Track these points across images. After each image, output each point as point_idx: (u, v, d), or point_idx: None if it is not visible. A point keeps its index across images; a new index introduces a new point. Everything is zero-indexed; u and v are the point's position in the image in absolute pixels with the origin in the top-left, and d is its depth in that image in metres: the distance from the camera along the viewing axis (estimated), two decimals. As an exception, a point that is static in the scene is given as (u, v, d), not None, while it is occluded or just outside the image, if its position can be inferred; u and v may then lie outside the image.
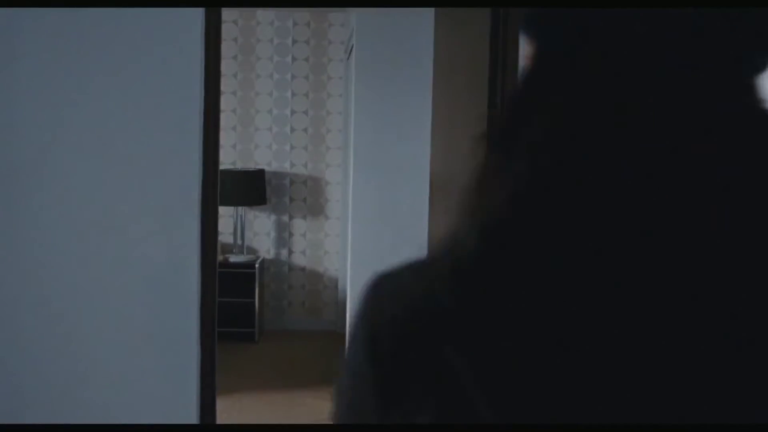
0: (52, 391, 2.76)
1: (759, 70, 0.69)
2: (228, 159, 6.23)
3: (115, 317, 2.79)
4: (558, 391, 0.62)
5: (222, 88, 6.09)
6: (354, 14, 4.48)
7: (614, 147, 0.64)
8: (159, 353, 2.79)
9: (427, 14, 4.29)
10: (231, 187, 5.87)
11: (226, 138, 6.23)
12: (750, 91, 0.68)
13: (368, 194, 4.17)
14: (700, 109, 0.65)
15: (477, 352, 0.62)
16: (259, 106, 6.20)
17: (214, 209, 2.80)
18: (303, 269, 6.30)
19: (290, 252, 6.29)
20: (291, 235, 6.29)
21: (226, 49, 6.16)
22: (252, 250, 6.25)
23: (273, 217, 6.27)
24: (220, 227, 6.54)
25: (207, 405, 2.94)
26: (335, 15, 6.14)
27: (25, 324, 2.75)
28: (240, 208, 5.99)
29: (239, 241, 6.03)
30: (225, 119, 6.22)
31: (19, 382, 2.74)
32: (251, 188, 5.93)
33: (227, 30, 6.13)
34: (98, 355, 2.80)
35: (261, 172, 6.03)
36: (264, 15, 6.13)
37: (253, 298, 5.86)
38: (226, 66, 6.16)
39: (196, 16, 2.55)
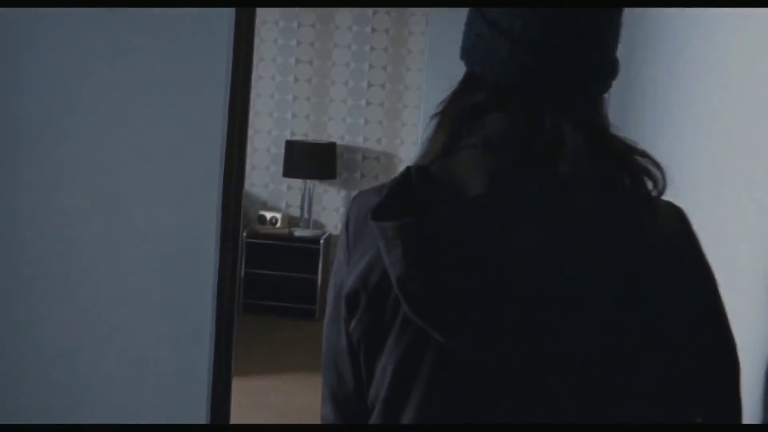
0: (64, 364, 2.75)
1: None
2: (300, 130, 6.18)
3: (130, 294, 2.75)
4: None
5: (298, 56, 6.03)
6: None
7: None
8: (171, 332, 2.74)
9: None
10: (300, 159, 5.81)
11: (299, 108, 6.17)
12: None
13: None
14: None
15: (405, 241, 1.00)
16: (335, 77, 6.12)
17: (238, 188, 2.73)
18: (370, 248, 6.20)
19: (358, 230, 6.19)
20: (360, 212, 6.19)
21: (305, 16, 6.10)
22: (319, 225, 6.19)
23: (342, 193, 6.20)
24: (289, 200, 6.53)
25: (219, 393, 2.85)
26: (419, -14, 6.00)
27: (42, 299, 2.76)
28: (309, 181, 5.93)
29: (306, 215, 5.97)
30: (299, 89, 6.16)
31: (36, 346, 2.74)
32: (322, 161, 5.86)
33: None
34: (111, 333, 2.77)
35: (332, 145, 5.95)
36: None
37: (316, 274, 5.80)
38: (303, 34, 6.11)
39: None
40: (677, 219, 1.07)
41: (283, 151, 5.99)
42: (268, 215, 6.02)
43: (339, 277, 1.16)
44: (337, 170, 6.03)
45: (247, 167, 6.22)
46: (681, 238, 1.06)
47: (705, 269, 1.08)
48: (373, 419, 1.10)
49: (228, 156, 2.63)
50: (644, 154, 1.07)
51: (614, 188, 1.03)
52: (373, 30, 6.05)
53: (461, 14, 1.18)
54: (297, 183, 6.11)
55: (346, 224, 1.17)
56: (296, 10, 6.05)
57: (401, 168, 6.06)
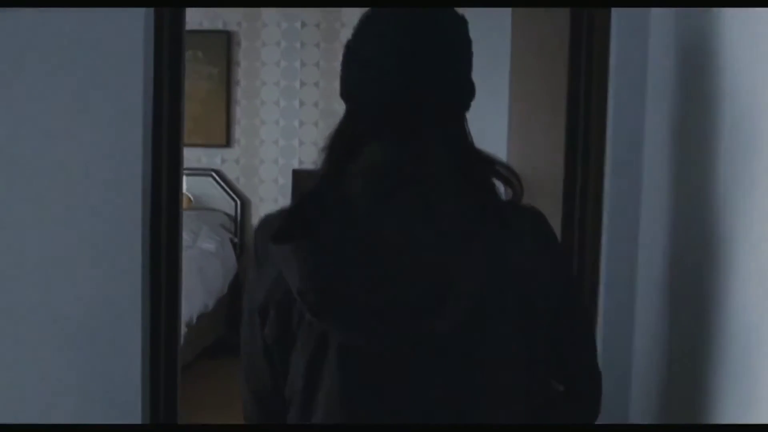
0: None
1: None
2: (308, 158, 5.82)
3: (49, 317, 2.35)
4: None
5: (303, 78, 5.64)
6: None
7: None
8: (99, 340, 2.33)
9: (504, 15, 3.88)
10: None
11: (307, 134, 5.83)
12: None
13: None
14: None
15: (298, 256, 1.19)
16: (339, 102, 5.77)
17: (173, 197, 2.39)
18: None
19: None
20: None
21: (307, 36, 5.76)
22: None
23: (358, 224, 5.83)
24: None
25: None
26: None
27: None
28: (321, 212, 5.57)
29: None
30: (306, 114, 5.82)
31: None
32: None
33: (310, 12, 5.74)
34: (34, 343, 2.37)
35: (345, 172, 5.60)
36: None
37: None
38: (306, 55, 5.76)
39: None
40: (536, 219, 1.29)
41: (290, 181, 5.64)
42: (279, 251, 5.66)
43: (251, 291, 1.34)
44: (350, 199, 5.66)
45: (254, 200, 5.87)
46: (539, 236, 1.28)
47: (561, 260, 1.34)
48: (292, 410, 1.30)
49: (156, 162, 2.31)
50: (503, 165, 1.28)
51: (479, 197, 1.23)
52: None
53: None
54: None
55: (255, 246, 1.34)
56: (298, 29, 5.73)
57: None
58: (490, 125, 3.52)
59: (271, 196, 5.88)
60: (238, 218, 5.83)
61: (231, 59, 5.82)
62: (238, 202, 5.82)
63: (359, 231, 1.20)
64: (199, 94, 5.82)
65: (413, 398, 1.22)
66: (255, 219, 5.89)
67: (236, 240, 5.75)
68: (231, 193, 5.83)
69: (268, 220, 1.33)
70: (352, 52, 1.29)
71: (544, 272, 1.25)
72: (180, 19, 2.44)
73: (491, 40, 3.61)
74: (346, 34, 5.71)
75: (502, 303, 1.21)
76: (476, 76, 1.33)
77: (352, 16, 5.70)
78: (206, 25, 5.84)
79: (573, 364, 1.32)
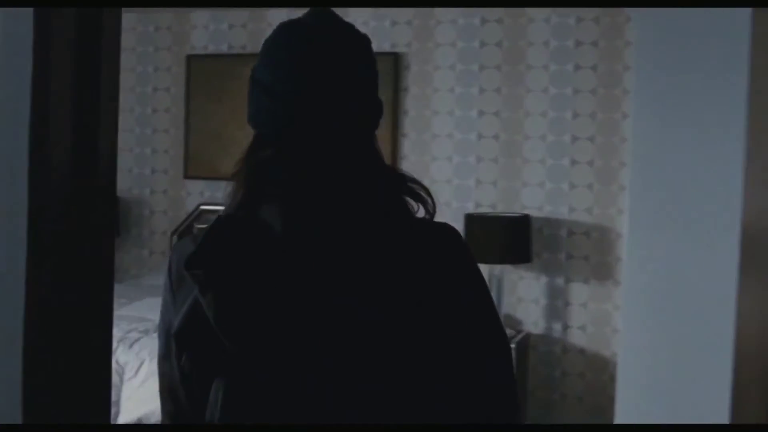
0: None
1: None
2: (486, 200, 5.06)
3: None
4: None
5: (482, 108, 4.90)
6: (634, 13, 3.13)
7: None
8: None
9: (742, 16, 2.91)
10: (486, 238, 4.68)
11: (485, 172, 5.07)
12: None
13: (650, 251, 2.76)
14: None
15: (207, 282, 1.18)
16: (528, 131, 4.98)
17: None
18: (582, 351, 4.91)
19: (565, 327, 4.94)
20: (567, 304, 4.93)
21: (487, 57, 5.03)
22: (512, 321, 4.98)
23: (543, 279, 4.97)
24: None
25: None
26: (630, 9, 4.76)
27: None
28: (497, 266, 4.77)
29: (495, 310, 4.80)
30: (485, 147, 5.06)
31: None
32: (513, 240, 4.69)
33: (490, 31, 5.01)
34: None
35: (526, 218, 4.78)
36: (537, 11, 4.93)
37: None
38: (486, 79, 5.03)
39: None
40: (449, 236, 1.33)
41: (463, 227, 4.88)
42: (447, 310, 4.91)
43: (167, 317, 1.34)
44: (534, 251, 4.83)
45: (422, 249, 5.16)
46: (452, 252, 1.31)
47: (474, 274, 1.34)
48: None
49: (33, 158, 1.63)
50: (415, 181, 1.34)
51: (390, 215, 1.27)
52: (577, 68, 4.87)
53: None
54: (482, 269, 4.97)
55: (169, 270, 1.34)
56: (476, 49, 5.01)
57: (619, 245, 4.77)
58: (715, 161, 2.63)
59: (441, 243, 5.15)
60: (403, 269, 5.14)
61: (398, 85, 5.19)
62: (404, 250, 5.14)
63: (274, 256, 1.21)
64: (363, 126, 5.22)
65: (311, 415, 1.23)
66: (423, 270, 5.18)
67: (399, 294, 5.07)
68: (396, 239, 5.16)
69: (183, 243, 1.35)
70: (254, 79, 1.33)
71: (455, 286, 1.27)
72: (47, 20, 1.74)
73: (721, 49, 2.71)
74: (534, 54, 4.95)
75: (408, 323, 1.22)
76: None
77: (539, 35, 4.91)
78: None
79: (490, 373, 1.30)
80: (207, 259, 1.21)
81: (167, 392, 1.36)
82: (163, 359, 1.35)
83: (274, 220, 1.23)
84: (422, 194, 1.33)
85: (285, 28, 1.30)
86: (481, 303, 1.31)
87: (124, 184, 5.67)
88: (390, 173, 1.32)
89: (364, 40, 1.34)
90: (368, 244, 1.23)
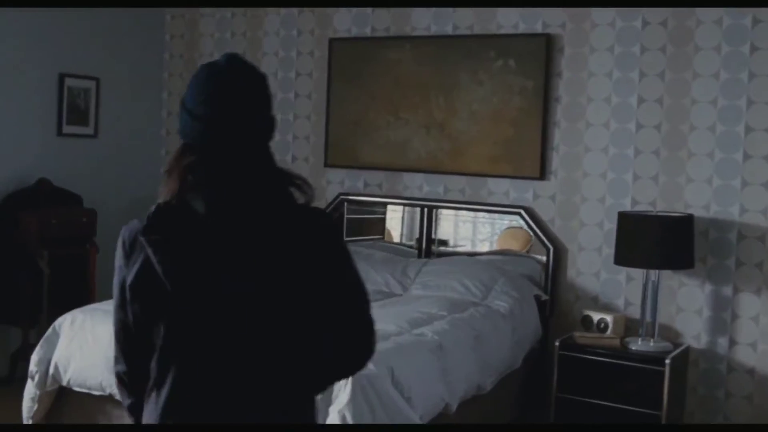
0: None
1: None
2: (645, 197, 4.60)
3: None
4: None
5: (643, 93, 4.44)
6: None
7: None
8: None
9: None
10: (642, 240, 4.24)
11: (644, 166, 4.61)
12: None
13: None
14: None
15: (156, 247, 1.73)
16: (695, 120, 4.47)
17: None
18: (751, 371, 4.38)
19: (732, 343, 4.42)
20: (735, 317, 4.41)
21: (650, 39, 4.56)
22: (669, 333, 4.51)
23: (707, 288, 4.47)
24: (629, 295, 4.76)
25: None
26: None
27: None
28: (654, 270, 4.33)
29: (648, 319, 4.35)
30: (645, 138, 4.60)
31: None
32: (674, 242, 4.23)
33: (653, 10, 4.53)
34: None
35: (689, 219, 4.29)
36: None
37: (660, 409, 4.12)
38: (649, 62, 4.56)
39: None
40: (320, 216, 1.86)
41: (615, 227, 4.45)
42: (596, 316, 4.51)
43: (121, 276, 1.83)
44: (696, 256, 4.35)
45: (572, 247, 4.78)
46: (321, 227, 1.83)
47: (341, 248, 1.85)
48: (153, 361, 1.78)
49: None
50: (299, 177, 1.84)
51: (277, 202, 1.80)
52: (754, 48, 4.32)
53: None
54: (638, 273, 4.52)
55: (123, 241, 1.84)
56: (638, 29, 4.55)
57: (800, 253, 4.19)
58: None
59: (593, 243, 4.73)
60: (550, 269, 4.78)
61: (551, 70, 4.80)
62: (552, 249, 4.77)
63: (200, 229, 1.75)
64: (509, 113, 4.87)
65: (224, 344, 1.75)
66: (571, 271, 4.79)
67: (545, 297, 4.70)
68: (543, 237, 4.80)
69: (131, 223, 1.85)
70: (182, 103, 1.83)
71: (324, 254, 1.80)
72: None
73: None
74: (702, 34, 4.44)
75: (291, 281, 1.76)
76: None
77: (709, 13, 4.40)
78: (521, 28, 4.89)
79: (351, 319, 1.84)
80: (155, 230, 1.75)
81: (122, 333, 1.87)
82: (119, 308, 1.85)
83: (199, 206, 1.74)
84: (303, 186, 1.83)
85: (205, 67, 1.82)
86: (341, 266, 1.82)
87: (265, 172, 5.61)
88: (280, 172, 1.83)
89: (261, 77, 1.83)
90: (261, 222, 1.76)
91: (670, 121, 4.51)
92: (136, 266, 1.78)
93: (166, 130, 6.07)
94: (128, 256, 1.82)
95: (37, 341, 3.80)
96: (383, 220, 5.37)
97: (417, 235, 5.15)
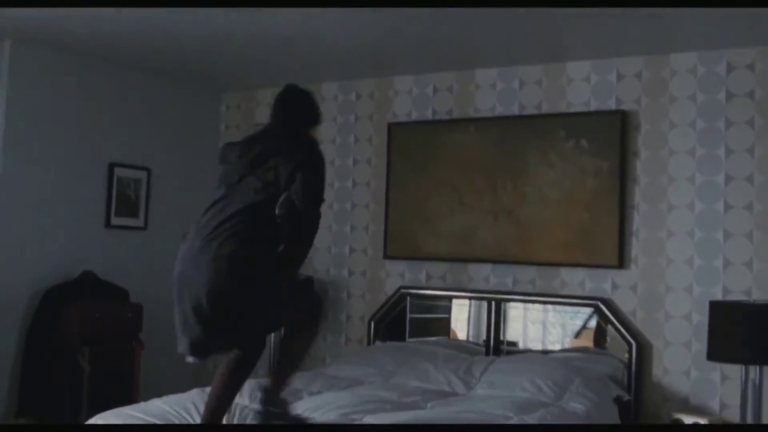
0: None
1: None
2: (738, 285, 4.15)
3: None
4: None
5: (731, 171, 4.05)
6: None
7: None
8: None
9: None
10: (738, 332, 3.80)
11: (736, 251, 4.20)
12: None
13: None
14: None
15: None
16: (792, 200, 4.08)
17: None
18: None
19: None
20: None
21: (736, 108, 4.22)
22: (777, 441, 4.01)
23: (816, 387, 3.99)
24: (725, 396, 4.18)
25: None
26: None
27: None
28: (753, 367, 3.86)
29: (751, 421, 3.86)
30: (735, 219, 4.21)
31: None
32: (775, 334, 3.79)
33: (738, 78, 4.21)
34: None
35: (791, 307, 3.85)
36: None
37: None
38: (735, 137, 4.21)
39: None
40: (310, 146, 3.18)
41: (707, 318, 4.02)
42: (688, 420, 4.03)
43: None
44: (802, 349, 3.88)
45: (657, 343, 4.35)
46: (305, 157, 3.10)
47: (313, 171, 3.12)
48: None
49: None
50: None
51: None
52: None
53: None
54: (734, 370, 4.06)
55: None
56: (721, 102, 4.23)
57: None
58: None
59: (681, 337, 4.29)
60: (633, 367, 4.34)
61: (627, 148, 4.48)
62: (634, 345, 4.34)
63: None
64: (584, 197, 4.54)
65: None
66: (657, 369, 4.34)
67: (628, 398, 4.25)
68: (623, 331, 4.38)
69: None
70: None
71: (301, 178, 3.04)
72: None
73: None
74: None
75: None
76: None
77: (805, 75, 4.05)
78: (594, 105, 4.60)
79: (294, 231, 3.07)
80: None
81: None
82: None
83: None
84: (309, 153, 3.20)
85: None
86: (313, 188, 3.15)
87: (321, 265, 5.35)
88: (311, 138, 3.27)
89: (305, 95, 3.39)
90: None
91: (762, 202, 4.12)
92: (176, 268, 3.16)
93: (220, 223, 5.87)
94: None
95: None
96: (448, 319, 5.01)
97: (484, 334, 4.78)
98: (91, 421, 3.44)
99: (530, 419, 3.54)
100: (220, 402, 3.06)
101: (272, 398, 3.21)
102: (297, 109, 3.30)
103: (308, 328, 3.24)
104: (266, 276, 2.99)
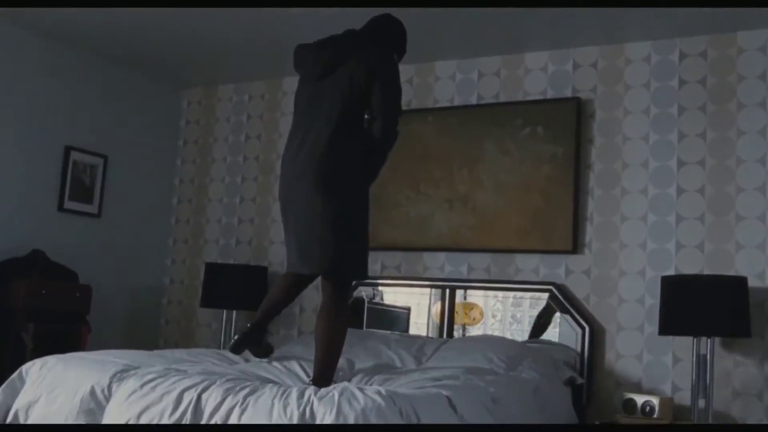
0: None
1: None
2: (691, 267, 4.18)
3: None
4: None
5: (684, 156, 4.13)
6: None
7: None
8: None
9: None
10: (689, 305, 3.82)
11: (688, 234, 4.25)
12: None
13: None
14: None
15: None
16: (742, 182, 4.16)
17: None
18: (824, 465, 3.81)
19: (799, 431, 3.88)
20: (800, 400, 3.90)
21: (689, 95, 4.32)
22: (728, 422, 4.00)
23: (766, 365, 4.00)
24: (677, 378, 4.25)
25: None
26: None
27: None
28: (704, 345, 3.87)
29: (702, 404, 3.85)
30: (688, 203, 4.27)
31: None
32: (726, 306, 3.80)
33: (691, 66, 4.32)
34: None
35: (742, 281, 3.87)
36: (749, 38, 4.20)
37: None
38: (688, 122, 4.29)
39: None
40: (382, 53, 3.35)
41: (659, 301, 4.03)
42: (640, 399, 4.01)
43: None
44: (753, 330, 3.90)
45: (610, 327, 4.35)
46: (380, 58, 3.32)
47: (389, 69, 3.33)
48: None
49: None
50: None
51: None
52: (804, 101, 4.03)
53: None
54: (686, 351, 4.06)
55: None
56: (674, 88, 4.32)
57: None
58: None
59: (634, 321, 4.30)
60: (586, 352, 4.33)
61: (582, 135, 4.55)
62: (587, 329, 4.34)
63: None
64: (538, 183, 4.58)
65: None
66: (610, 353, 4.33)
67: (581, 381, 4.23)
68: (577, 316, 4.38)
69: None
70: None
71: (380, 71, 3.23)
72: None
73: None
74: (746, 90, 4.19)
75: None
76: None
77: (750, 68, 4.17)
78: (550, 94, 4.68)
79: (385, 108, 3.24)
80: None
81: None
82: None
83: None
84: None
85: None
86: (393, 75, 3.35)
87: (275, 257, 5.31)
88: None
89: (402, 25, 3.56)
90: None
91: (714, 185, 4.19)
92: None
93: (176, 218, 5.84)
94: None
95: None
96: (407, 310, 4.98)
97: (439, 323, 4.75)
98: (29, 364, 3.35)
99: (480, 381, 3.50)
100: (330, 354, 3.16)
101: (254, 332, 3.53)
102: (392, 32, 3.48)
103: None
104: (353, 191, 3.22)
